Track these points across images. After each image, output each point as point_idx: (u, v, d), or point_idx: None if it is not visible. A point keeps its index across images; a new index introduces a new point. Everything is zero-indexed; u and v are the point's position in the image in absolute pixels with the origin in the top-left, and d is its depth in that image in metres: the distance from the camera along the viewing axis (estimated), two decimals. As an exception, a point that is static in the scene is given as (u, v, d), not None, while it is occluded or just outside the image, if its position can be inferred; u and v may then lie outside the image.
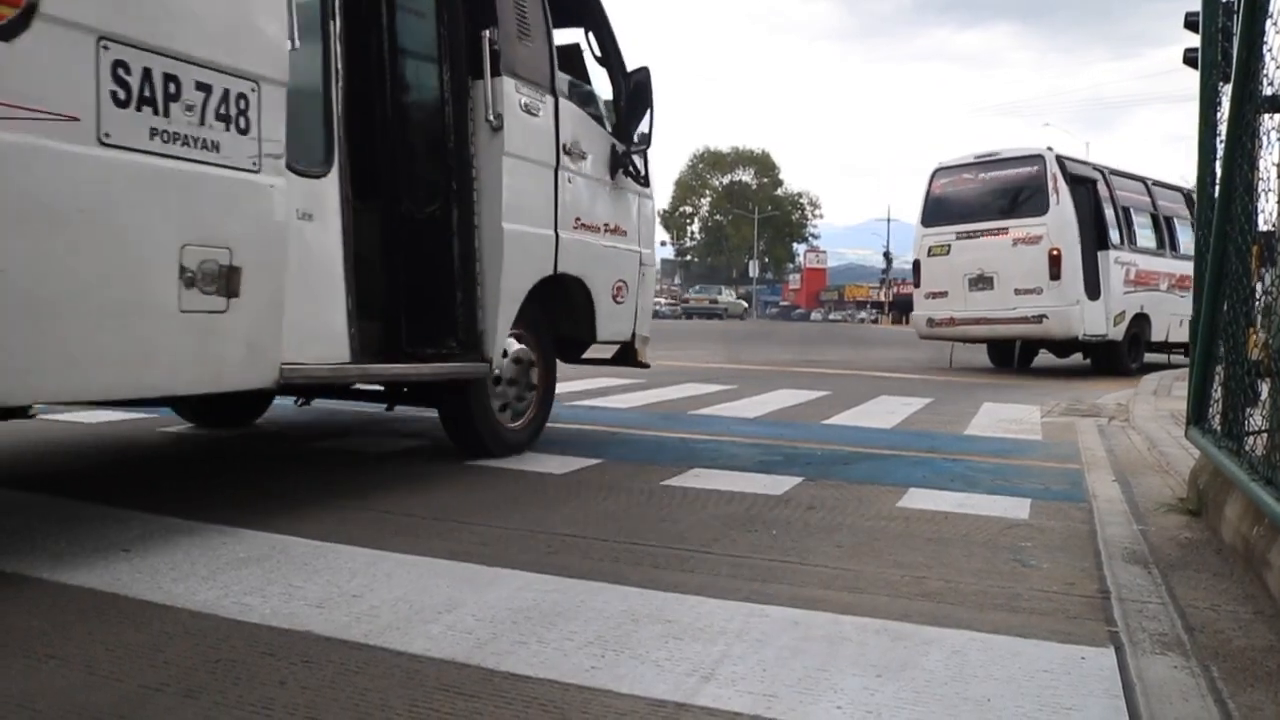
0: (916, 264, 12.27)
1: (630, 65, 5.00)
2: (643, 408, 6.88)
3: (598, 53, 4.97)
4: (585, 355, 5.36)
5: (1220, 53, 3.74)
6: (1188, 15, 8.88)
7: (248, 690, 1.82)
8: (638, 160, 5.12)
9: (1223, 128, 3.48)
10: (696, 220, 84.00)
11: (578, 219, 4.69)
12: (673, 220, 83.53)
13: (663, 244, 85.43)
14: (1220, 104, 3.68)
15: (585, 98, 4.94)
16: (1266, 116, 3.15)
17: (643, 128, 5.08)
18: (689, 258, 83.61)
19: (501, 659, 2.00)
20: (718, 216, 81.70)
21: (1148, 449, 5.15)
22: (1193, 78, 4.19)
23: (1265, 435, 2.91)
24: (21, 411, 2.90)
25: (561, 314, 4.86)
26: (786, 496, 3.79)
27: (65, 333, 2.55)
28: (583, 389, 8.08)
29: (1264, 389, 3.17)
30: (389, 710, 1.75)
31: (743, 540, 3.08)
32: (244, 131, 2.98)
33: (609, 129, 5.00)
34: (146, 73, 2.68)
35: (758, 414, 6.72)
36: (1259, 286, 3.23)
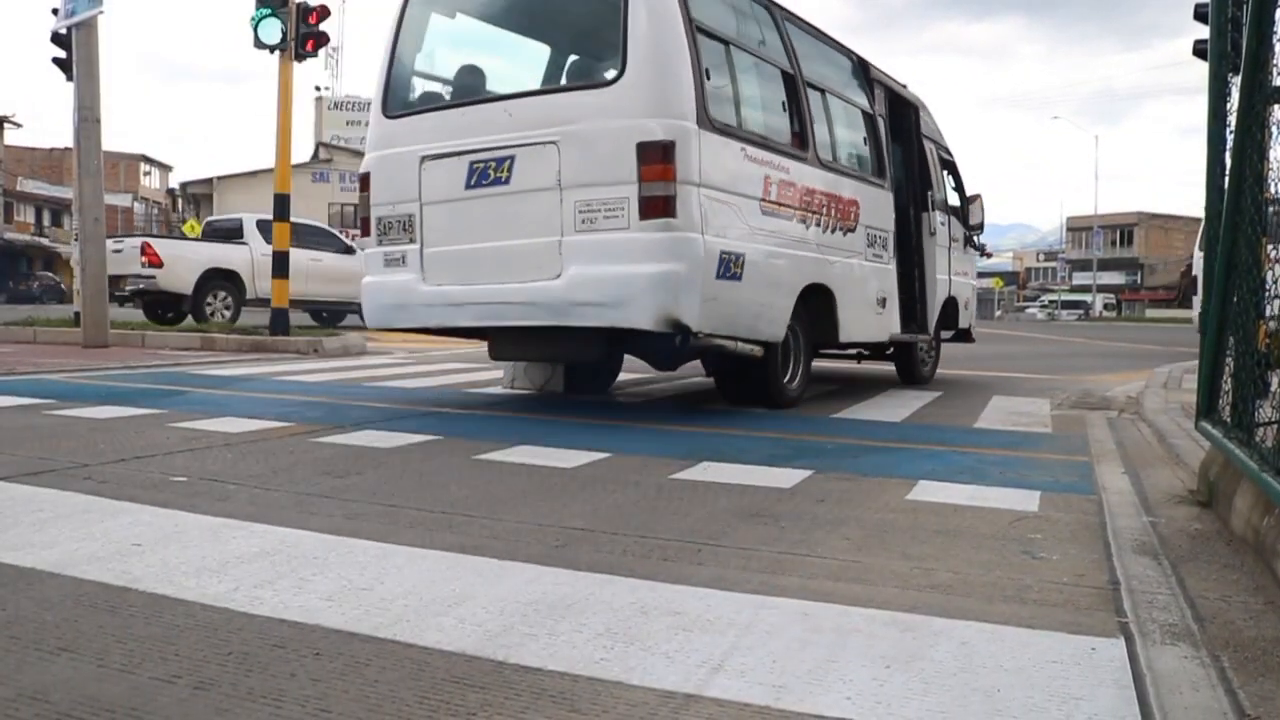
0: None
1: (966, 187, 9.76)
2: (652, 401, 6.88)
3: (954, 184, 9.47)
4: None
5: (1230, 43, 3.72)
6: (1197, 7, 8.85)
7: (259, 682, 1.83)
8: (975, 238, 9.87)
9: (1232, 119, 3.46)
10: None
11: (954, 270, 9.18)
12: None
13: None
14: (1230, 95, 3.67)
15: (953, 209, 9.29)
16: (1277, 107, 3.14)
17: (976, 220, 9.63)
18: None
19: (511, 651, 2.00)
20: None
21: (1157, 442, 5.13)
22: (1202, 69, 4.16)
23: (1276, 427, 2.90)
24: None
25: (942, 315, 9.02)
26: (795, 489, 3.79)
27: (862, 318, 7.08)
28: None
29: (1274, 381, 3.17)
30: (399, 702, 1.76)
31: (751, 533, 3.08)
32: (886, 249, 7.55)
33: (959, 221, 9.44)
34: (870, 234, 7.25)
35: (765, 408, 6.71)
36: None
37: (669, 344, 5.47)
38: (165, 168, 73.46)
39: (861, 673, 1.93)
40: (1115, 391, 8.17)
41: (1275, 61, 3.02)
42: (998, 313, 73.84)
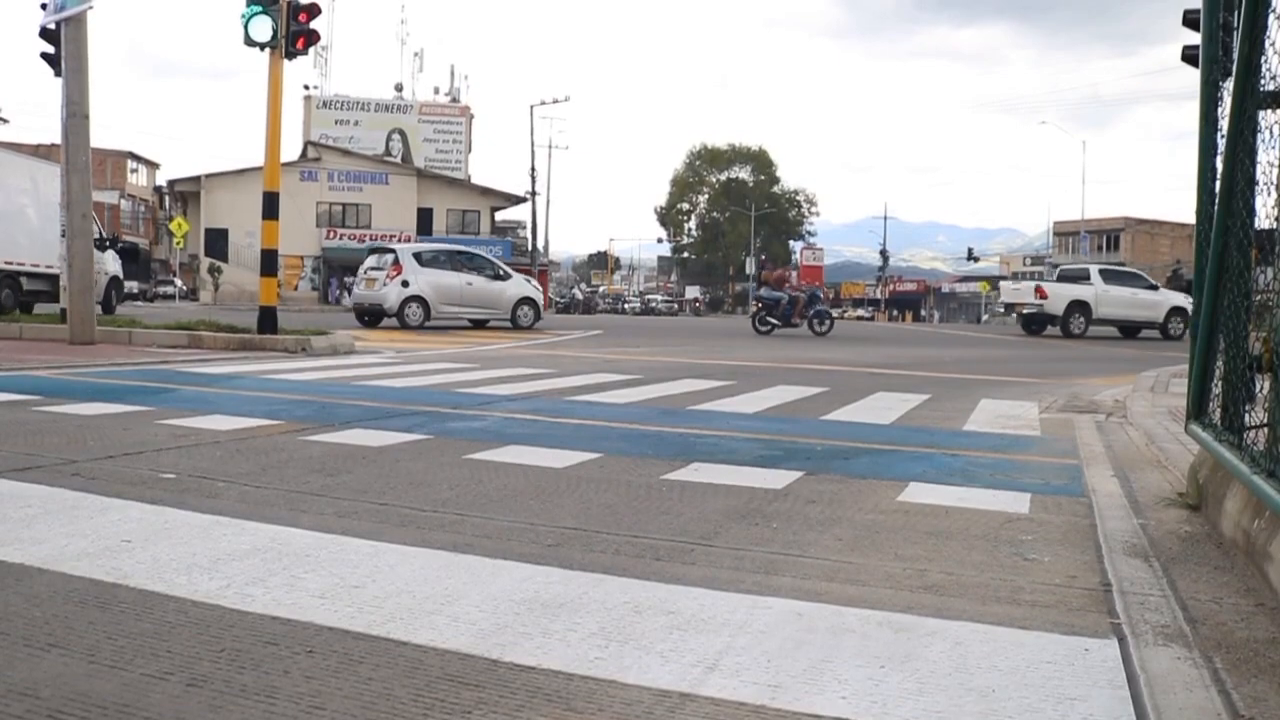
0: None
1: None
2: (641, 403, 6.88)
3: None
4: None
5: (1221, 48, 3.74)
6: (1186, 13, 8.87)
7: (252, 679, 1.82)
8: None
9: (1224, 123, 3.48)
10: (693, 217, 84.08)
11: None
12: (669, 217, 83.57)
13: (659, 240, 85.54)
14: (1222, 99, 3.68)
15: None
16: (1269, 112, 3.15)
17: None
18: (686, 255, 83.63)
19: (506, 649, 2.00)
20: (714, 214, 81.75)
21: (1146, 445, 5.15)
22: (1190, 76, 4.19)
23: (1266, 429, 2.91)
24: None
25: None
26: (786, 490, 3.79)
27: None
28: (581, 384, 8.08)
29: (1263, 384, 3.18)
30: (393, 700, 1.75)
31: (744, 533, 3.08)
32: None
33: None
34: None
35: (756, 409, 6.72)
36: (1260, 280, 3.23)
37: None
38: (153, 165, 73.13)
39: (857, 672, 1.93)
40: (1103, 395, 8.20)
41: (1266, 65, 3.03)
42: (985, 317, 74.09)
